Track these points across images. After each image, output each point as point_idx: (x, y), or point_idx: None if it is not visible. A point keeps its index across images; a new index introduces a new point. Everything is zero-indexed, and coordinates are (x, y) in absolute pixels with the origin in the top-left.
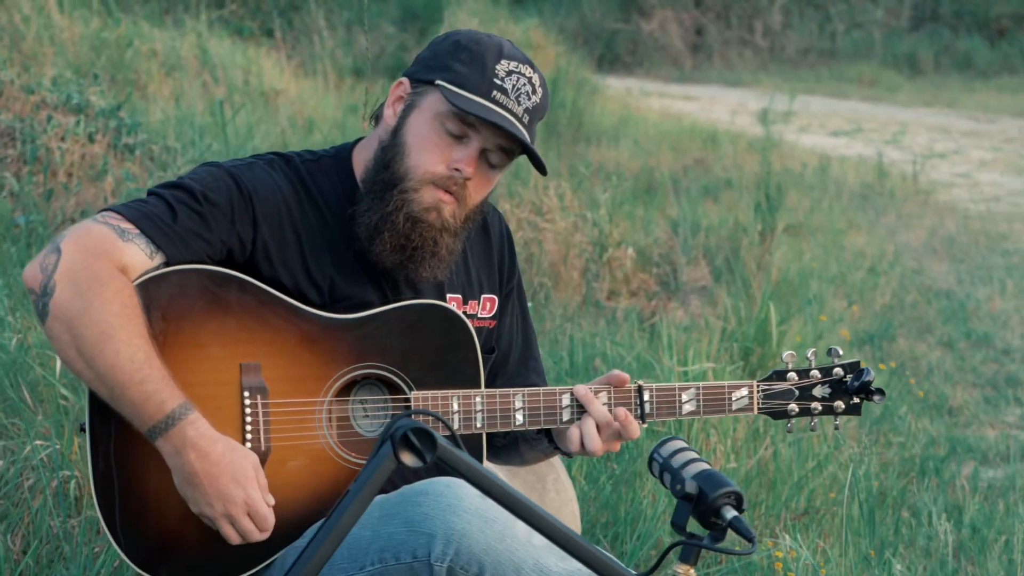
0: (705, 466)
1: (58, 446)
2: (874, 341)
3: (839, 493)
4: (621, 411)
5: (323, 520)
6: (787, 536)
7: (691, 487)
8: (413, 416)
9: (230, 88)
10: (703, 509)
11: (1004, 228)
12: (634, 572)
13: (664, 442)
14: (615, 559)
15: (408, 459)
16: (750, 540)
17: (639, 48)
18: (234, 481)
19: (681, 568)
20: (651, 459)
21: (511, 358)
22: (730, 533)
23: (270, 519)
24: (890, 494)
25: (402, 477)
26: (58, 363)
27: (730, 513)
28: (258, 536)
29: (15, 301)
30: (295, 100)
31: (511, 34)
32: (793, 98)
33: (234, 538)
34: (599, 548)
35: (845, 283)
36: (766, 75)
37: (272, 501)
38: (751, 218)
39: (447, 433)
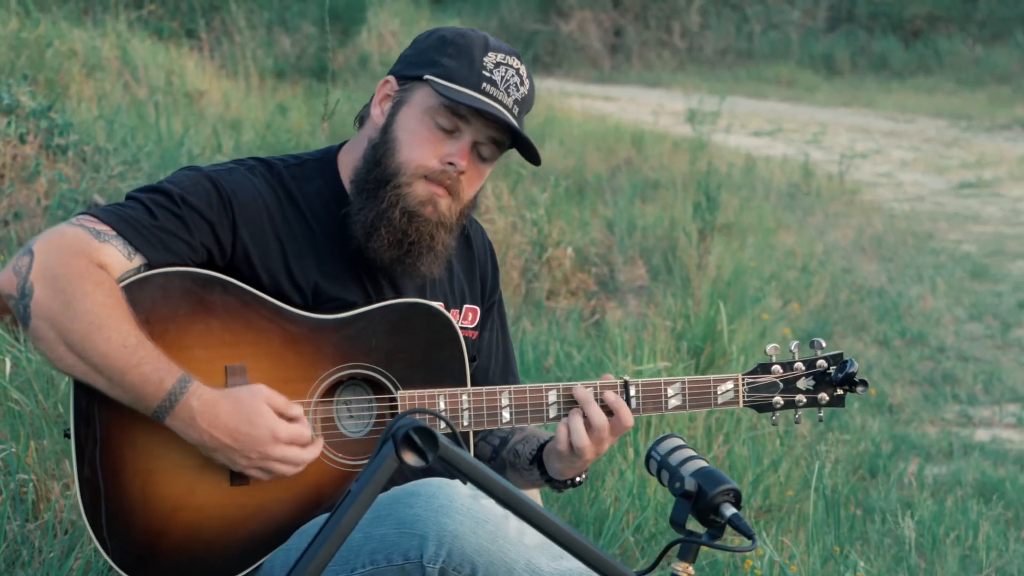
0: (703, 463)
1: (14, 449)
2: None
3: (796, 491)
4: (610, 394)
5: (325, 520)
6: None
7: (690, 484)
8: (414, 415)
9: (152, 89)
10: (702, 507)
11: (929, 227)
12: (633, 571)
13: (661, 440)
14: (614, 559)
15: (410, 458)
16: (750, 537)
17: (558, 49)
18: (251, 424)
19: (680, 566)
20: (648, 456)
21: (490, 373)
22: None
23: (305, 432)
24: (841, 492)
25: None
26: (7, 366)
27: (729, 510)
28: (305, 454)
29: None
30: (219, 101)
31: None
32: (723, 99)
33: (288, 470)
34: (599, 547)
35: (780, 282)
36: (684, 76)
37: (299, 410)
38: (686, 217)
39: (448, 432)
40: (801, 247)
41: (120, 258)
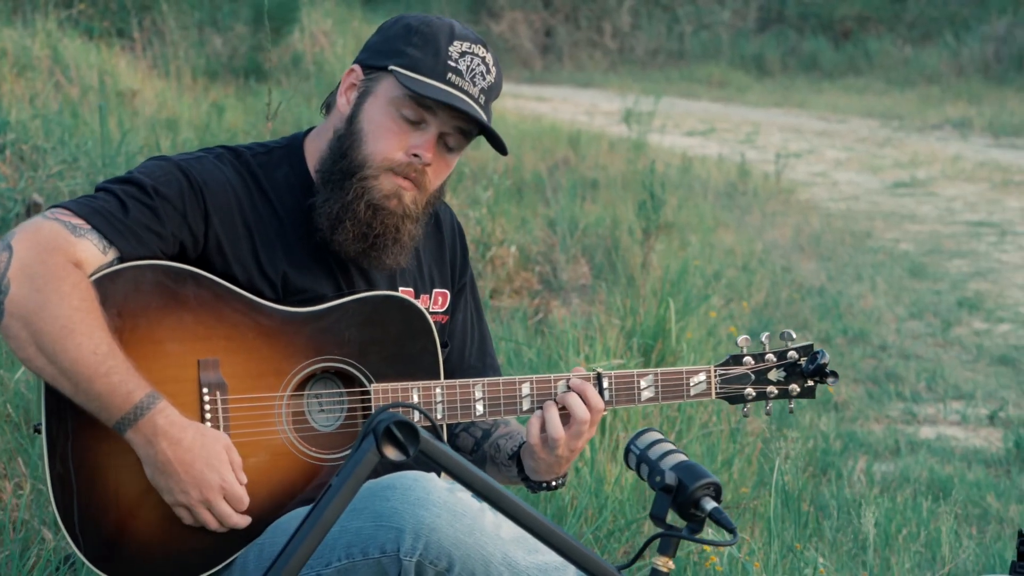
0: (683, 457)
1: None
2: (756, 338)
3: (751, 489)
4: (576, 380)
5: (306, 515)
6: (710, 530)
7: (670, 478)
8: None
9: (84, 88)
10: (683, 500)
11: (866, 226)
12: (613, 566)
13: (640, 434)
14: (595, 552)
15: (391, 453)
16: (731, 531)
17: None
18: (208, 465)
19: (660, 560)
20: (627, 451)
21: (466, 355)
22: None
23: (245, 499)
24: (795, 489)
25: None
26: None
27: (710, 504)
28: (236, 518)
29: None
30: (153, 100)
31: (365, 35)
32: (658, 99)
33: (212, 523)
34: (579, 541)
35: (722, 281)
36: (616, 76)
37: (245, 480)
38: (628, 216)
39: (427, 425)
40: (740, 246)
41: (95, 252)
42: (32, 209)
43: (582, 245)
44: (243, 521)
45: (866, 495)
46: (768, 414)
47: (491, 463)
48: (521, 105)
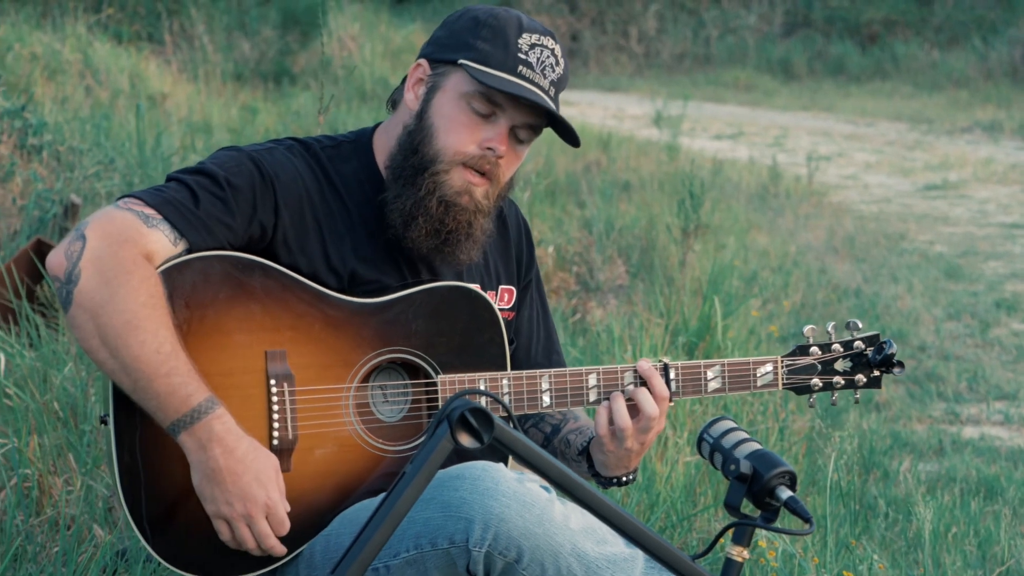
0: (757, 446)
1: (15, 444)
2: (795, 338)
3: (800, 486)
4: (643, 364)
5: (379, 503)
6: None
7: (745, 467)
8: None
9: (114, 91)
10: (758, 489)
11: (900, 228)
12: (688, 555)
13: (713, 422)
14: (669, 542)
15: (465, 440)
16: (807, 520)
17: None
18: (257, 481)
19: (735, 549)
20: (700, 439)
21: (532, 351)
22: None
23: (286, 525)
24: (846, 487)
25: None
26: (2, 362)
27: (785, 493)
28: (273, 541)
29: None
30: (183, 103)
31: (392, 40)
32: (687, 102)
33: (249, 542)
34: (654, 531)
35: (758, 281)
36: (642, 80)
37: (288, 508)
38: (664, 217)
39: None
40: (774, 248)
41: (166, 243)
42: (70, 210)
43: (618, 246)
44: (279, 548)
45: (914, 494)
46: (834, 404)
47: (560, 458)
48: None
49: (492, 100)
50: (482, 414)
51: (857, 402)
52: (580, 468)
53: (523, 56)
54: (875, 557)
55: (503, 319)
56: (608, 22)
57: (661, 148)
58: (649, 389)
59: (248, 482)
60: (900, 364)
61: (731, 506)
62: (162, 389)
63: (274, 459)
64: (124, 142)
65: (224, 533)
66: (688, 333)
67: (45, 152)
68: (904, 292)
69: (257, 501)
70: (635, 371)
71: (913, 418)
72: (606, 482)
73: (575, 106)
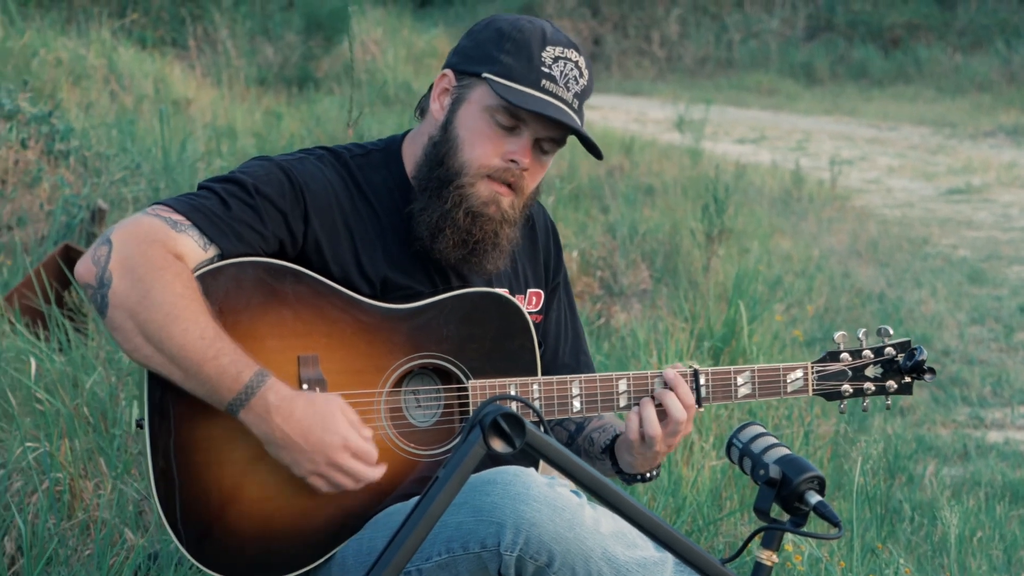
0: (786, 451)
1: (47, 448)
2: (819, 343)
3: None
4: (670, 372)
5: (413, 507)
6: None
7: (774, 472)
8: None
9: (139, 96)
10: (787, 494)
11: (923, 232)
12: (717, 559)
13: (743, 427)
14: (698, 546)
15: (498, 445)
16: (836, 525)
17: None
18: (325, 429)
19: (764, 553)
20: (730, 444)
21: (560, 353)
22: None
23: (373, 452)
24: (872, 491)
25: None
26: (33, 367)
27: (814, 498)
28: (370, 472)
29: None
30: (206, 108)
31: (415, 44)
32: (709, 107)
33: (349, 483)
34: (684, 535)
35: (781, 286)
36: (665, 84)
37: (369, 433)
38: (688, 221)
39: (534, 419)
40: (798, 252)
41: (196, 248)
42: (97, 215)
43: (642, 250)
44: (377, 473)
45: (939, 499)
46: (865, 410)
47: (585, 456)
48: None
49: (516, 114)
50: (514, 419)
51: (888, 408)
52: (604, 466)
53: (546, 70)
54: (901, 561)
55: (532, 322)
56: (630, 26)
57: (684, 152)
58: (677, 397)
59: (318, 435)
60: (931, 370)
61: (760, 510)
62: (212, 372)
63: (335, 399)
64: (150, 147)
65: (323, 487)
66: (714, 338)
67: (72, 157)
68: (928, 296)
69: (335, 447)
70: (663, 378)
71: (938, 422)
72: (630, 479)
73: (598, 110)
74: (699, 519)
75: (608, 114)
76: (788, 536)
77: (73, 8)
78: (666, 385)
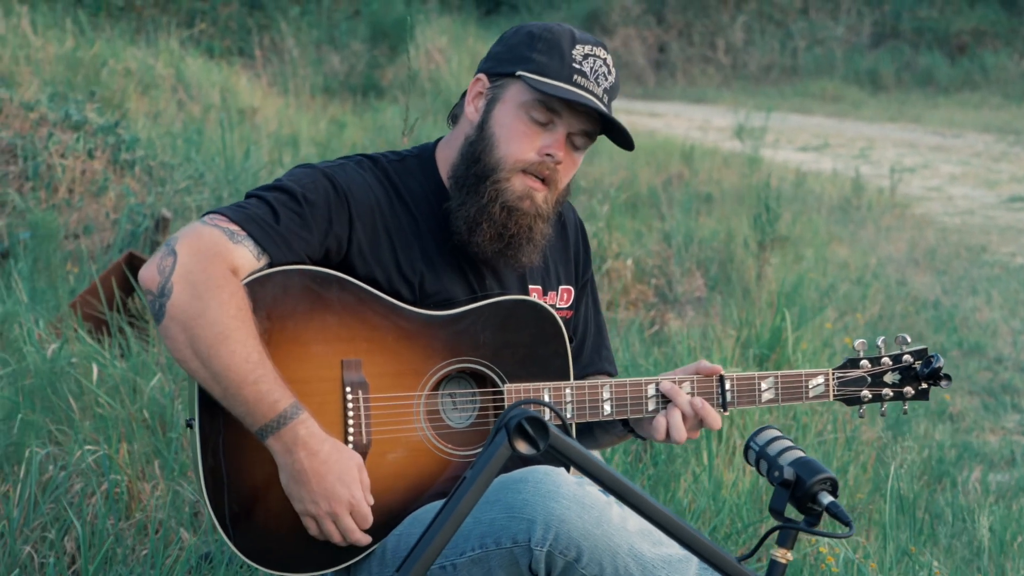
0: (800, 453)
1: (106, 450)
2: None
3: (866, 495)
4: (698, 400)
5: (441, 506)
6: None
7: (789, 473)
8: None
9: (206, 106)
10: (800, 495)
11: (982, 240)
12: (733, 556)
13: (760, 431)
14: (716, 544)
15: (522, 447)
16: (847, 524)
17: None
18: (340, 480)
19: (779, 552)
20: (747, 447)
21: (585, 347)
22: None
23: (370, 519)
24: (910, 496)
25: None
26: (95, 371)
27: (827, 499)
28: (358, 535)
29: (38, 313)
30: (272, 117)
31: (480, 52)
32: (769, 114)
33: (336, 536)
34: (702, 533)
35: (836, 293)
36: (729, 92)
37: (372, 501)
38: (743, 230)
39: (558, 422)
40: (854, 260)
41: (250, 258)
42: (161, 224)
43: (697, 258)
44: (364, 539)
45: (981, 503)
46: (883, 415)
47: (597, 426)
48: (634, 121)
49: (550, 108)
50: (538, 423)
51: (905, 413)
52: (616, 430)
53: (577, 66)
54: (935, 564)
55: (563, 318)
56: (695, 34)
57: (743, 160)
58: (702, 420)
59: (332, 482)
60: (947, 377)
61: (775, 510)
62: (251, 396)
63: (357, 458)
64: (214, 156)
65: (312, 529)
66: (759, 345)
67: (137, 167)
68: (983, 304)
69: (341, 500)
70: (692, 383)
71: (986, 429)
72: (643, 438)
73: (661, 117)
74: (738, 522)
75: (672, 121)
76: (821, 539)
77: (142, 19)
78: (695, 389)
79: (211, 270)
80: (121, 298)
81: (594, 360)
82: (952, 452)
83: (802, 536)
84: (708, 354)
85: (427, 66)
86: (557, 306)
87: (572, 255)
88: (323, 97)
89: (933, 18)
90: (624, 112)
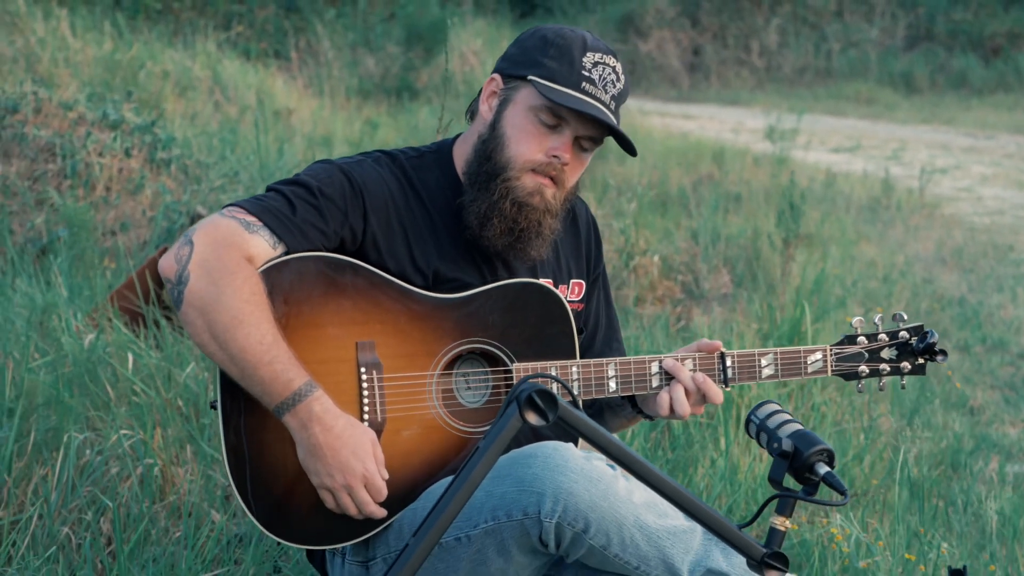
0: (799, 426)
1: (141, 436)
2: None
3: (880, 481)
4: (700, 376)
5: (453, 477)
6: (838, 515)
7: (787, 445)
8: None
9: (242, 107)
10: (798, 465)
11: (1010, 239)
12: (735, 523)
13: (760, 405)
14: (719, 512)
15: (532, 418)
16: (843, 493)
17: (637, 68)
18: (354, 454)
19: (778, 519)
20: (748, 420)
21: (596, 338)
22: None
23: (384, 492)
24: (924, 482)
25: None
26: (131, 360)
27: (823, 469)
28: (373, 507)
29: (76, 306)
30: (308, 118)
31: None
32: (800, 116)
33: (351, 509)
34: (705, 503)
35: (862, 290)
36: (763, 94)
37: (387, 475)
38: (769, 228)
39: (567, 397)
40: (882, 258)
41: (266, 247)
42: (196, 221)
43: (724, 256)
44: (379, 512)
45: (995, 491)
46: (881, 389)
47: (607, 409)
48: (668, 123)
49: (558, 113)
50: (547, 395)
51: (904, 388)
52: (624, 412)
53: (586, 73)
54: (945, 545)
55: (574, 310)
56: (730, 36)
57: (774, 161)
58: (704, 394)
59: (346, 456)
60: (943, 352)
61: (774, 480)
62: (266, 376)
63: (371, 433)
64: (249, 155)
65: (328, 502)
66: (778, 337)
67: (173, 165)
68: (1008, 302)
69: (355, 473)
70: (694, 359)
71: (1006, 422)
72: (651, 418)
73: (695, 120)
74: (753, 504)
75: (705, 123)
76: (836, 518)
77: (180, 22)
78: (697, 366)
79: (225, 258)
80: (156, 292)
81: (605, 352)
82: (970, 443)
83: (814, 515)
84: (728, 345)
85: (461, 68)
86: (569, 299)
87: (584, 250)
88: (358, 99)
89: (967, 20)
90: (658, 115)
